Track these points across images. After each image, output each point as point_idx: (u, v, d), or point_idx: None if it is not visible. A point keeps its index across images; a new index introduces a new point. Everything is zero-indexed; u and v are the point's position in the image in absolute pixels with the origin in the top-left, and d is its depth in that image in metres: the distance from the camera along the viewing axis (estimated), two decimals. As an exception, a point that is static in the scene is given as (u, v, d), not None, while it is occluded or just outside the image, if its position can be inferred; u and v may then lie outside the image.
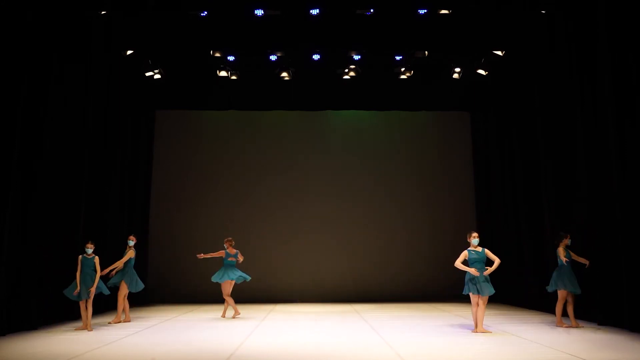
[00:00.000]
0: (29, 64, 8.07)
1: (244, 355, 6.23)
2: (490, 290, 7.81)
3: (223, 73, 12.46)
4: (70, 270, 9.40)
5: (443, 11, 10.54)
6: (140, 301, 11.95)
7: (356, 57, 12.26)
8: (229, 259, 9.89)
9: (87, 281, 8.16)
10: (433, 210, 13.82)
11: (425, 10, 10.49)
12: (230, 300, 9.83)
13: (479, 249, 8.01)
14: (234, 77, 12.75)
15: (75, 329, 8.21)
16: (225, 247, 10.00)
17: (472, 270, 7.85)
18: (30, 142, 8.20)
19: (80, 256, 8.29)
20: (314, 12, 10.40)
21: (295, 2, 10.33)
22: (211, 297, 12.35)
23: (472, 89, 13.68)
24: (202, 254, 10.16)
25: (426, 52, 11.98)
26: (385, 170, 13.97)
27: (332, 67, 12.81)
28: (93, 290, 8.19)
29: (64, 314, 9.16)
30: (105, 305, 10.40)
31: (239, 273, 9.84)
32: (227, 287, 9.83)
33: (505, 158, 12.26)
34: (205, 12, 10.57)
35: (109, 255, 9.73)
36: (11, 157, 7.67)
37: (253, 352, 6.42)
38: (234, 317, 9.83)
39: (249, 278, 9.97)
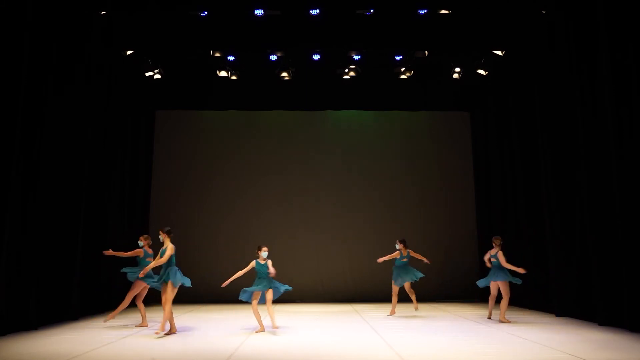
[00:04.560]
0: (29, 64, 8.05)
1: (244, 355, 6.23)
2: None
3: (223, 73, 12.45)
4: (69, 270, 9.41)
5: (443, 11, 10.55)
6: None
7: (356, 57, 12.27)
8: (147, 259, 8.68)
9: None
10: (433, 210, 13.81)
11: (425, 10, 10.50)
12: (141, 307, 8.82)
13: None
14: (234, 77, 12.75)
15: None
16: (142, 244, 8.80)
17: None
18: (30, 143, 8.19)
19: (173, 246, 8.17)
20: (314, 12, 10.41)
21: (295, 2, 10.34)
22: (211, 297, 12.36)
23: (472, 89, 13.68)
24: (110, 251, 8.78)
25: (426, 52, 12.00)
26: (385, 170, 13.96)
27: (332, 67, 12.81)
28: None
29: (63, 314, 9.16)
30: (106, 305, 10.41)
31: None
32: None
33: (505, 158, 12.26)
34: (205, 12, 10.59)
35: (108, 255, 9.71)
36: (11, 157, 7.66)
37: (253, 352, 6.42)
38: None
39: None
